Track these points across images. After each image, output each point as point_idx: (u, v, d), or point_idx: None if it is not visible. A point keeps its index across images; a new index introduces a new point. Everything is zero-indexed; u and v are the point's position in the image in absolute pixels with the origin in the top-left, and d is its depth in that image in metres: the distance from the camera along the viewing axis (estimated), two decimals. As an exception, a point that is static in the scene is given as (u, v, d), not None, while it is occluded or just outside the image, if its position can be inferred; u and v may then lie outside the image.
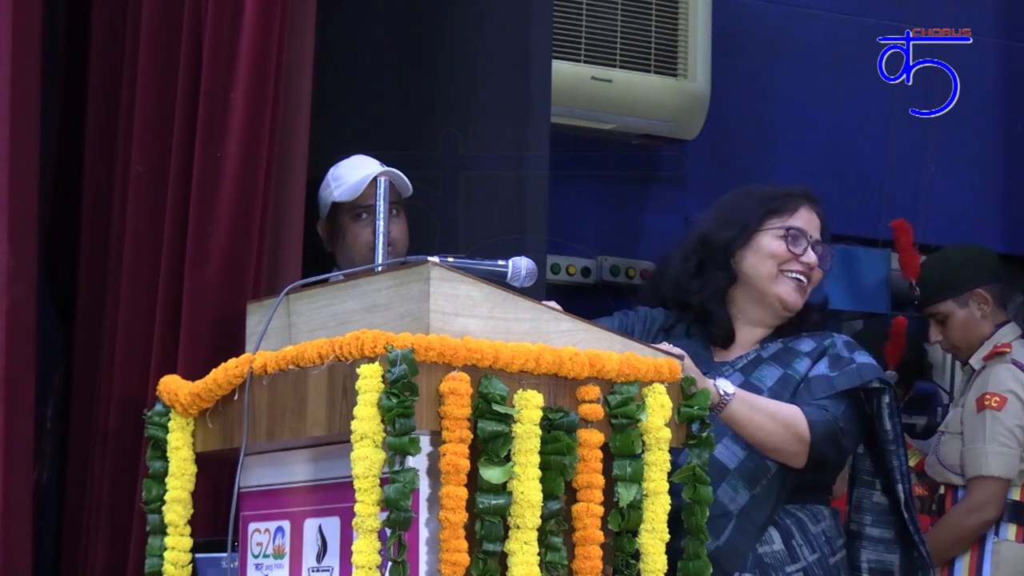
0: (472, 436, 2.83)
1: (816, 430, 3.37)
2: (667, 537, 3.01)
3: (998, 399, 4.83)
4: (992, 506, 4.78)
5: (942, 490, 4.99)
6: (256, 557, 3.16)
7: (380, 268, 3.23)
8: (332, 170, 4.21)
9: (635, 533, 3.00)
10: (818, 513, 3.49)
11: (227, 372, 3.11)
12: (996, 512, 4.81)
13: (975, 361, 4.95)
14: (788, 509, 3.46)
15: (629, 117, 5.89)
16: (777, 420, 3.33)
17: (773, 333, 3.60)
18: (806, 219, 3.59)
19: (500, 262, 3.25)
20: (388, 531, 2.76)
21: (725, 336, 3.57)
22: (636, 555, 3.01)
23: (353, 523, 2.78)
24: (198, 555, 3.28)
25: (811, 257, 3.56)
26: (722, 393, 3.27)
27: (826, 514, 3.50)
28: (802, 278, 3.56)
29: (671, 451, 3.03)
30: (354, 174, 4.15)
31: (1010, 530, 4.87)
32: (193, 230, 3.67)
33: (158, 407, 3.28)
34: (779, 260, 3.56)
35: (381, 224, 3.35)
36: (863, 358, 3.50)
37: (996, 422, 4.80)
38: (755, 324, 3.60)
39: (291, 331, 3.13)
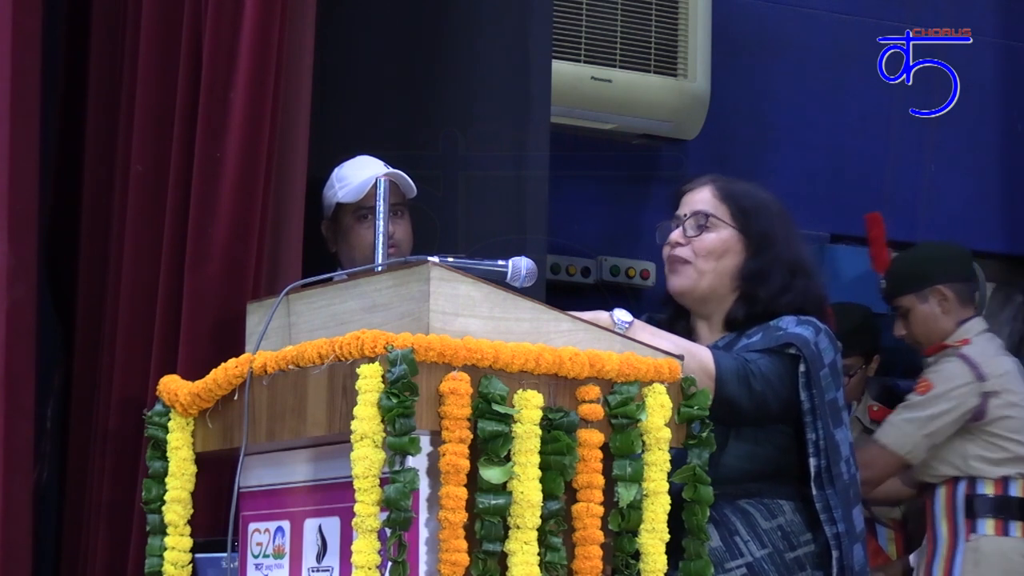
0: (472, 436, 2.83)
1: (722, 364, 3.33)
2: (667, 537, 3.01)
3: (925, 384, 4.91)
4: (869, 469, 4.75)
5: None
6: (256, 557, 3.16)
7: (380, 268, 3.23)
8: (336, 170, 4.21)
9: (635, 533, 3.00)
10: (775, 508, 3.45)
11: (227, 372, 3.11)
12: (872, 475, 4.82)
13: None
14: (738, 504, 3.44)
15: (629, 117, 5.89)
16: (681, 346, 3.29)
17: (736, 328, 3.58)
18: (684, 206, 3.61)
19: (500, 262, 3.25)
20: (388, 531, 2.76)
21: (687, 335, 3.57)
22: (636, 555, 3.01)
23: (353, 523, 2.78)
24: (198, 555, 3.28)
25: (674, 235, 3.58)
26: (616, 322, 3.27)
27: (786, 509, 3.45)
28: (675, 258, 3.56)
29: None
30: (358, 175, 4.15)
31: (988, 525, 4.88)
32: (193, 230, 3.66)
33: (158, 407, 3.28)
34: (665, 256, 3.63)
35: (381, 224, 3.35)
36: (797, 328, 3.45)
37: (915, 403, 4.91)
38: (703, 319, 3.60)
39: (291, 331, 3.12)
